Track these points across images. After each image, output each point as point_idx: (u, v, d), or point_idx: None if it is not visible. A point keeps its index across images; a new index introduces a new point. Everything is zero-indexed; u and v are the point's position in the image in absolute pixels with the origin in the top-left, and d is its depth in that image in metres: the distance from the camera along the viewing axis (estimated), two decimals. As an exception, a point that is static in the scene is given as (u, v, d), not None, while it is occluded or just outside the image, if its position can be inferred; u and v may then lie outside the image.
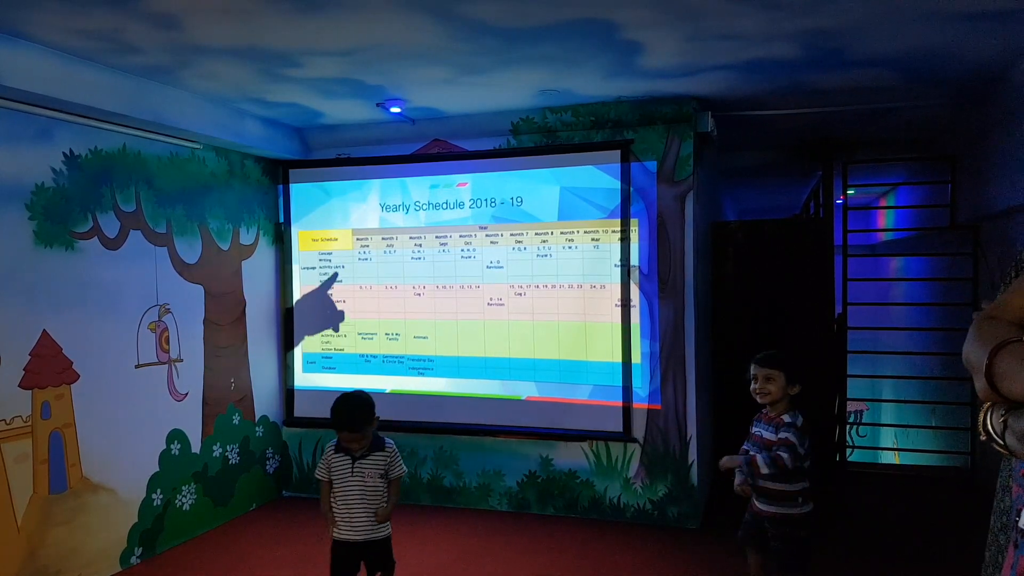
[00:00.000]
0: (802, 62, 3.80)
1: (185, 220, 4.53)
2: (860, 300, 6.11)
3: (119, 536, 4.06)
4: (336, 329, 5.25)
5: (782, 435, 3.07)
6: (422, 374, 5.05)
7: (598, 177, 4.65)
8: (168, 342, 4.42)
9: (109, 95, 3.72)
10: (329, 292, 5.26)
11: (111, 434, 4.01)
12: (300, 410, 5.35)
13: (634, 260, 4.62)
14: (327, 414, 5.18)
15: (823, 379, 5.70)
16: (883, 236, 8.65)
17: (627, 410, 4.63)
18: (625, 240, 4.57)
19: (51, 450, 3.68)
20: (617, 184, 4.59)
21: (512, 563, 4.11)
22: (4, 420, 3.44)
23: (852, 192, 7.16)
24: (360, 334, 5.20)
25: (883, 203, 8.70)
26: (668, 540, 4.41)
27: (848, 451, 6.16)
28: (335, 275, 5.23)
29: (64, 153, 3.74)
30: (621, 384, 4.62)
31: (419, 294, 5.04)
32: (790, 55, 3.68)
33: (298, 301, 5.34)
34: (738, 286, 5.77)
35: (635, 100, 4.54)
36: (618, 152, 4.58)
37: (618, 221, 4.59)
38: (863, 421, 7.76)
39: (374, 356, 5.17)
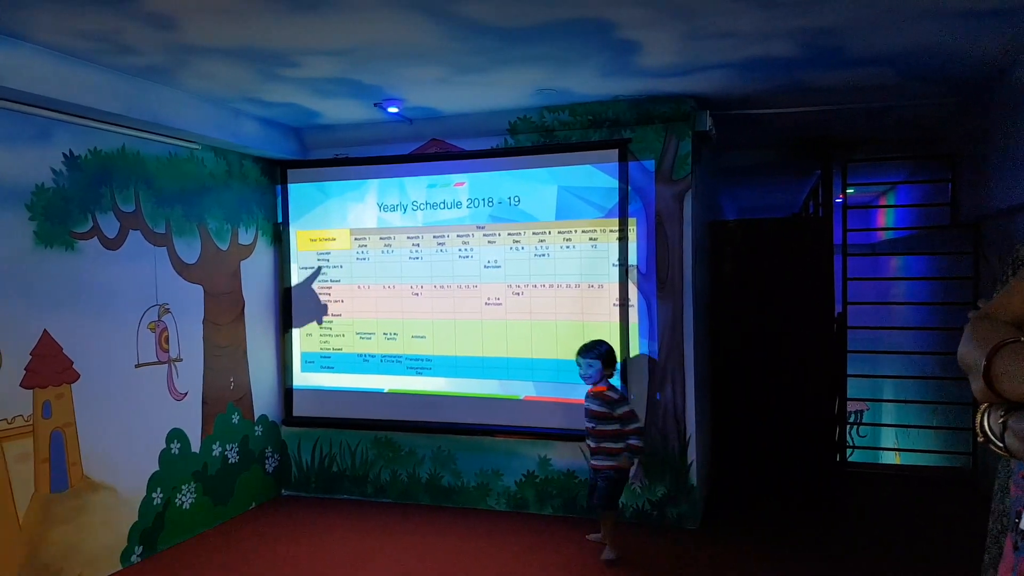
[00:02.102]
0: (800, 60, 3.80)
1: (184, 220, 4.55)
2: (860, 299, 6.10)
3: (120, 534, 4.08)
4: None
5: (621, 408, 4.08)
6: (420, 374, 5.07)
7: (596, 176, 4.65)
8: (168, 342, 4.43)
9: (108, 96, 3.73)
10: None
11: (111, 433, 4.03)
12: (299, 409, 5.37)
13: (632, 259, 4.62)
14: (326, 413, 5.29)
15: (822, 379, 5.70)
16: (883, 235, 8.63)
17: (626, 410, 4.62)
18: (623, 239, 4.57)
19: (52, 449, 3.70)
20: (615, 183, 4.60)
21: (511, 563, 4.12)
22: (6, 419, 3.46)
23: (852, 191, 7.15)
24: (358, 334, 5.21)
25: (883, 202, 8.68)
26: (668, 540, 4.41)
27: (848, 451, 6.15)
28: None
29: (64, 154, 3.76)
30: (620, 383, 4.62)
31: (417, 294, 5.05)
32: (788, 53, 3.68)
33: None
34: (737, 285, 5.76)
35: (633, 99, 4.54)
36: (616, 151, 4.58)
37: (616, 220, 4.59)
38: (863, 421, 7.74)
39: (372, 356, 5.18)
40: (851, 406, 6.45)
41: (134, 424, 4.19)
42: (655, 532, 4.54)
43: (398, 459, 5.22)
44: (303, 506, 5.19)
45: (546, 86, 4.23)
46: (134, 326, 4.20)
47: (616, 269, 4.61)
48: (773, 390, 5.68)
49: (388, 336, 5.13)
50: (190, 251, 4.61)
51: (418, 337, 5.06)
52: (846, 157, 5.93)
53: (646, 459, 4.68)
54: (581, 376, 4.13)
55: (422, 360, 5.06)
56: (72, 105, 3.60)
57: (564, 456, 4.86)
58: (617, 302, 4.61)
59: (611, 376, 4.13)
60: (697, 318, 4.73)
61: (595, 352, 4.10)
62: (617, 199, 4.59)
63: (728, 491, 5.37)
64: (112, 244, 4.05)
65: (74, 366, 3.82)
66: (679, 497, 4.63)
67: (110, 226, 4.03)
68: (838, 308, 5.87)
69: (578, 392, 4.72)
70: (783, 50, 3.63)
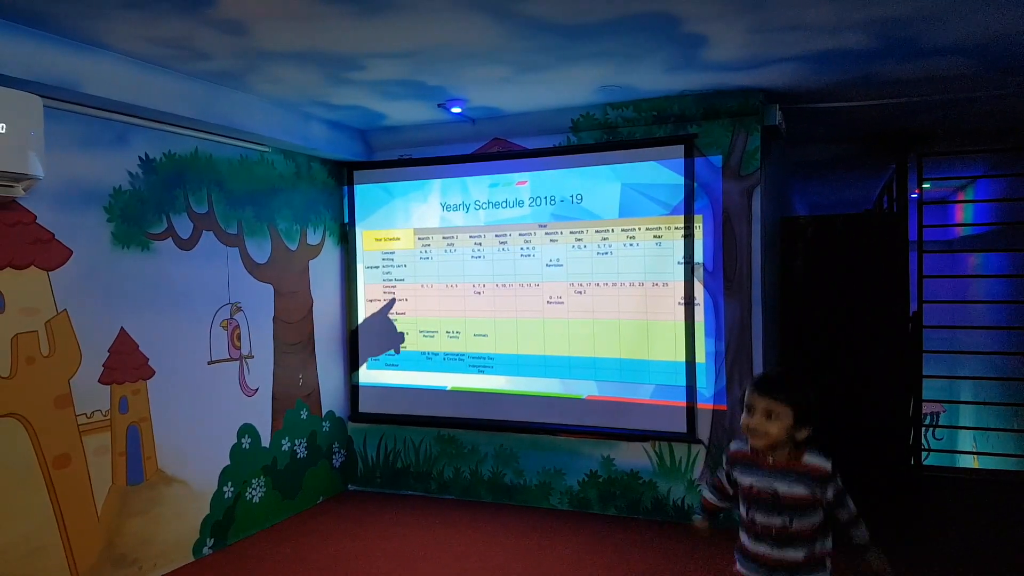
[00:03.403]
0: (873, 52, 3.65)
1: (255, 221, 4.66)
2: (936, 298, 5.85)
3: (192, 527, 4.20)
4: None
5: (831, 489, 2.21)
6: (482, 372, 5.07)
7: (661, 173, 4.57)
8: (239, 339, 4.55)
9: (182, 101, 3.84)
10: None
11: (184, 428, 4.15)
12: (365, 406, 5.44)
13: (698, 257, 4.53)
14: (390, 410, 5.35)
15: (897, 380, 5.49)
16: (961, 231, 8.27)
17: (691, 410, 4.54)
18: (689, 237, 4.48)
19: (128, 443, 3.83)
20: (680, 180, 4.51)
21: (573, 562, 4.09)
22: (85, 414, 3.60)
23: (928, 186, 6.86)
24: (422, 332, 5.26)
25: (961, 197, 8.32)
26: (733, 543, 4.30)
27: (924, 454, 5.91)
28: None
29: (140, 157, 3.89)
30: (685, 384, 4.53)
31: (479, 292, 5.06)
32: (860, 45, 3.54)
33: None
34: (808, 283, 5.59)
35: (699, 94, 4.44)
36: (681, 147, 4.49)
37: (681, 217, 4.51)
38: (940, 423, 7.44)
39: (435, 354, 5.21)
40: (927, 408, 6.19)
41: (206, 419, 4.31)
42: (721, 535, 4.42)
43: (461, 456, 5.24)
44: (368, 501, 5.27)
45: (610, 83, 4.18)
46: (207, 324, 4.32)
47: (682, 267, 4.52)
48: (845, 391, 5.50)
49: (451, 334, 5.16)
50: (261, 251, 4.72)
51: (480, 336, 5.07)
52: (922, 151, 5.69)
53: (714, 461, 4.58)
54: (749, 431, 2.25)
55: (484, 358, 5.07)
56: (148, 110, 3.72)
57: (627, 457, 4.79)
58: (683, 301, 4.52)
59: (807, 437, 2.24)
60: (766, 317, 4.60)
61: (787, 393, 2.21)
62: (682, 196, 4.50)
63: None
64: (186, 244, 4.17)
65: (149, 363, 3.95)
66: (746, 501, 4.52)
67: (184, 227, 4.16)
68: (913, 307, 5.63)
69: (642, 392, 4.66)
70: (855, 42, 3.49)
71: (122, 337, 3.80)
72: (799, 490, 2.19)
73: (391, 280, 5.33)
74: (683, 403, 4.55)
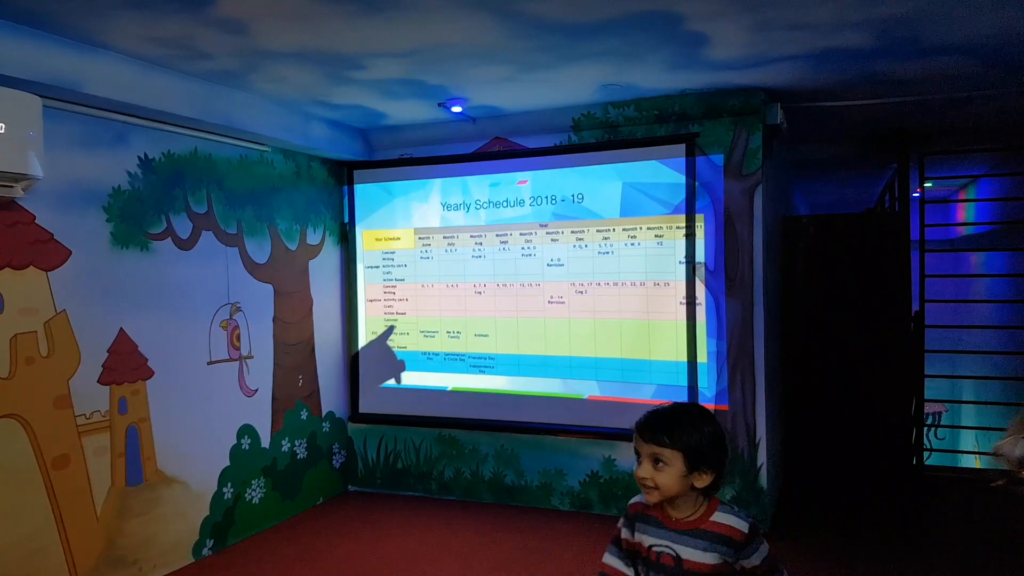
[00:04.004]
0: (875, 51, 3.63)
1: (255, 221, 4.64)
2: (938, 297, 5.84)
3: (192, 528, 4.19)
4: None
5: (755, 556, 1.80)
6: (483, 372, 5.06)
7: (662, 172, 4.56)
8: (239, 339, 4.53)
9: (182, 100, 3.83)
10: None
11: (184, 429, 4.14)
12: (365, 406, 5.43)
13: (700, 256, 4.51)
14: (391, 410, 5.33)
15: (898, 379, 5.48)
16: (963, 230, 8.25)
17: (692, 410, 4.52)
18: (690, 236, 4.47)
19: (128, 444, 3.82)
20: (682, 179, 4.49)
21: (574, 562, 4.08)
22: (84, 415, 3.59)
23: (930, 185, 6.85)
24: (422, 332, 5.24)
25: (963, 196, 8.30)
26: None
27: (925, 454, 5.90)
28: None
29: (139, 157, 3.87)
30: (686, 384, 4.52)
31: (480, 292, 5.04)
32: (862, 44, 3.53)
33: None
34: (809, 283, 5.58)
35: (700, 92, 4.43)
36: (683, 146, 4.48)
37: (683, 217, 4.49)
38: (942, 423, 7.42)
39: (436, 354, 5.20)
40: (929, 407, 6.18)
41: (206, 420, 4.29)
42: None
43: (461, 457, 5.23)
44: (369, 502, 5.25)
45: (611, 81, 4.16)
46: (206, 324, 4.31)
47: (683, 266, 4.50)
48: (846, 391, 5.49)
49: (451, 335, 5.14)
50: (260, 251, 4.70)
51: (481, 336, 5.05)
52: (924, 150, 5.68)
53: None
54: (639, 483, 1.83)
55: (485, 358, 5.06)
56: (147, 110, 3.70)
57: (629, 457, 4.75)
58: (684, 300, 4.51)
59: (717, 488, 1.85)
60: (768, 316, 4.59)
61: (673, 435, 1.79)
62: (684, 195, 4.49)
63: (799, 495, 5.21)
64: (185, 244, 4.15)
65: (149, 363, 3.93)
66: (748, 500, 4.50)
67: (183, 227, 4.14)
68: (915, 306, 5.62)
69: (644, 392, 4.65)
70: (857, 41, 3.48)
71: (121, 337, 3.78)
72: (707, 557, 1.76)
73: (391, 280, 5.32)
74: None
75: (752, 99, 4.35)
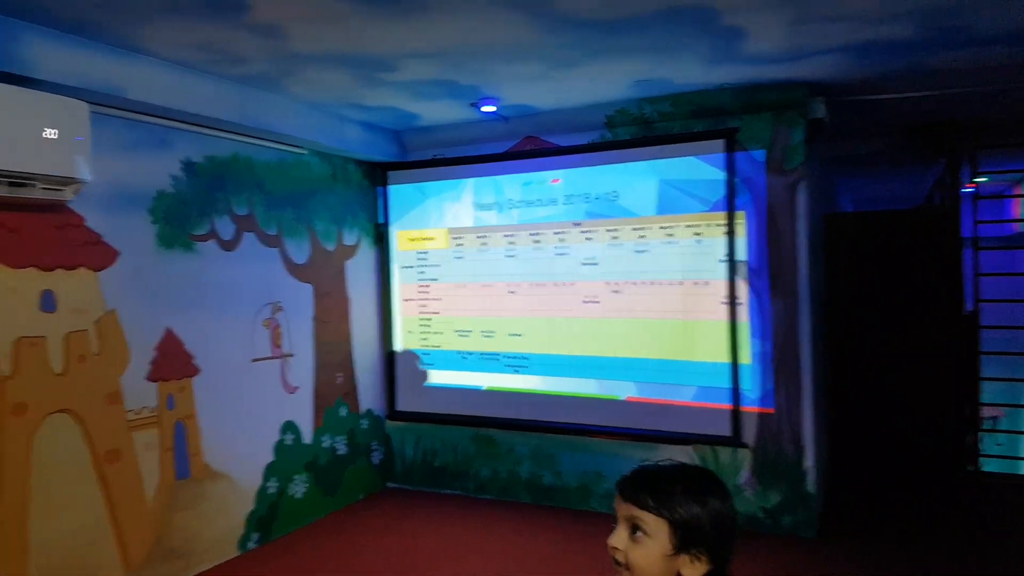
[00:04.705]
0: (921, 42, 3.52)
1: (294, 222, 4.74)
2: (993, 296, 5.63)
3: (236, 522, 4.28)
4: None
5: None
6: (518, 372, 5.06)
7: (700, 168, 4.49)
8: (280, 338, 4.63)
9: (222, 105, 3.93)
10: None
11: (229, 424, 4.24)
12: (402, 404, 5.48)
13: (741, 255, 4.43)
14: (427, 409, 5.37)
15: (950, 382, 5.30)
16: (1019, 227, 7.93)
17: (736, 413, 4.43)
18: (731, 234, 4.39)
19: (175, 439, 3.93)
20: (720, 175, 4.42)
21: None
22: (134, 411, 3.71)
23: (985, 179, 6.60)
24: (456, 331, 5.27)
25: (1019, 191, 7.97)
26: (783, 549, 4.21)
27: (982, 459, 5.69)
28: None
29: (182, 161, 3.99)
30: (729, 386, 4.43)
31: (513, 292, 5.05)
32: (907, 35, 3.42)
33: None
34: (855, 281, 5.44)
35: (739, 87, 4.34)
36: (722, 142, 4.40)
37: (723, 214, 4.41)
38: (1000, 428, 7.14)
39: (470, 353, 5.22)
40: (986, 411, 5.95)
41: (250, 416, 4.40)
42: (769, 541, 4.34)
43: (498, 456, 5.24)
44: (407, 499, 5.30)
45: (645, 77, 4.12)
46: (249, 323, 4.41)
47: (723, 265, 4.43)
48: (896, 393, 5.33)
49: (485, 334, 5.16)
50: (300, 252, 4.79)
51: (515, 335, 5.05)
52: (975, 143, 5.47)
53: (759, 466, 4.48)
54: (611, 553, 1.42)
55: (519, 358, 5.06)
56: (189, 114, 3.81)
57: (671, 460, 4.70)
58: (725, 300, 4.43)
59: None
60: (813, 316, 4.47)
61: (661, 499, 1.35)
62: (723, 191, 4.41)
63: (848, 500, 5.07)
64: (228, 246, 4.26)
65: (194, 361, 4.05)
66: (794, 505, 4.40)
67: (226, 229, 4.25)
68: (968, 306, 5.43)
69: (685, 394, 4.58)
70: (901, 32, 3.38)
71: (168, 336, 3.90)
72: None
73: (425, 280, 5.36)
74: (727, 406, 4.45)
75: (793, 93, 4.26)
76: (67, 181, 3.11)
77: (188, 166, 4.02)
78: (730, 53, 3.71)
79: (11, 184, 2.90)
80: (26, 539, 3.20)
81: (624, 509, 1.38)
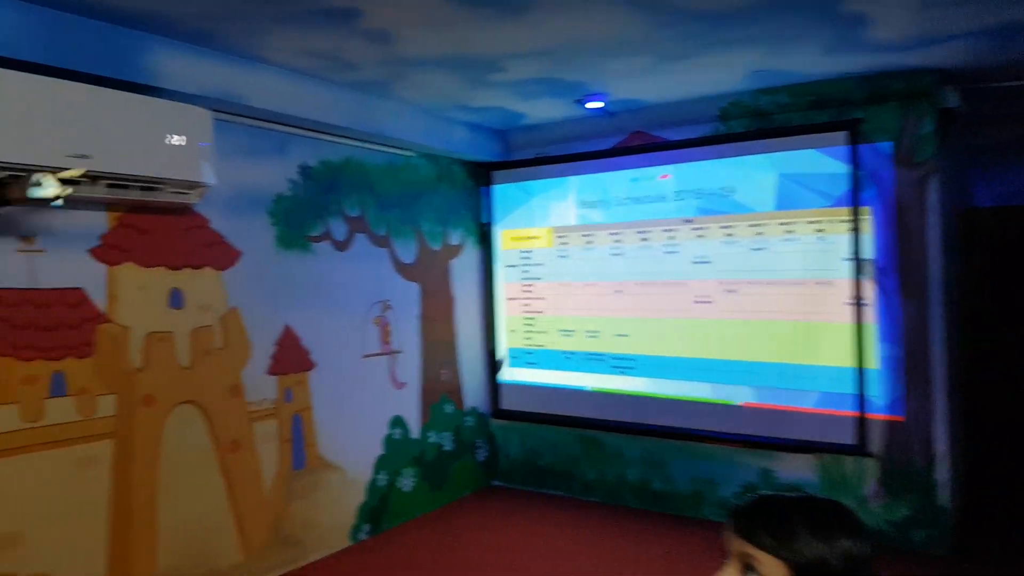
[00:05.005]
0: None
1: (402, 223, 4.85)
2: None
3: (348, 512, 4.42)
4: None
5: None
6: (624, 373, 4.95)
7: (821, 162, 4.24)
8: (389, 335, 4.74)
9: (335, 110, 4.05)
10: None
11: (342, 418, 4.39)
12: (506, 403, 5.50)
13: (867, 253, 4.16)
14: (531, 408, 5.37)
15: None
16: None
17: (862, 421, 4.16)
18: (856, 230, 4.12)
19: (293, 430, 4.10)
20: (844, 168, 4.16)
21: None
22: (255, 403, 3.89)
23: None
24: (560, 331, 5.22)
25: None
26: (913, 566, 3.92)
27: None
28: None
29: (299, 165, 4.15)
30: (854, 392, 4.16)
31: (619, 291, 4.94)
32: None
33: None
34: (993, 281, 4.99)
35: (862, 76, 4.07)
36: (845, 133, 4.14)
37: (847, 209, 4.15)
38: None
39: (574, 353, 5.16)
40: None
41: (361, 410, 4.53)
42: (897, 557, 4.05)
43: (604, 459, 5.15)
44: (512, 497, 5.31)
45: (762, 68, 3.93)
46: (361, 320, 4.54)
47: (848, 264, 4.16)
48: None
49: (590, 334, 5.08)
50: (407, 251, 4.90)
51: (621, 336, 4.95)
52: None
53: (887, 477, 4.19)
54: None
55: (626, 359, 4.95)
56: (306, 120, 3.95)
57: (789, 469, 4.48)
58: (850, 300, 4.16)
59: None
60: (946, 318, 4.14)
61: (779, 536, 1.18)
62: (847, 186, 4.15)
63: (986, 514, 4.66)
64: (341, 246, 4.41)
65: (310, 356, 4.21)
66: (925, 519, 4.09)
67: (339, 230, 4.39)
68: None
69: (806, 400, 4.34)
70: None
71: (287, 332, 4.07)
72: None
73: (529, 279, 5.35)
74: (853, 413, 4.18)
75: (922, 81, 3.94)
76: (193, 185, 3.28)
77: (304, 170, 4.18)
78: (852, 41, 3.48)
79: (142, 189, 3.09)
80: (155, 524, 3.42)
81: (737, 545, 1.23)
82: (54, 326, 3.08)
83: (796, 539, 1.16)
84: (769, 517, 1.20)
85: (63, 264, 3.12)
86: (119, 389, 3.31)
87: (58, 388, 3.09)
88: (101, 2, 2.80)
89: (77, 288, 3.17)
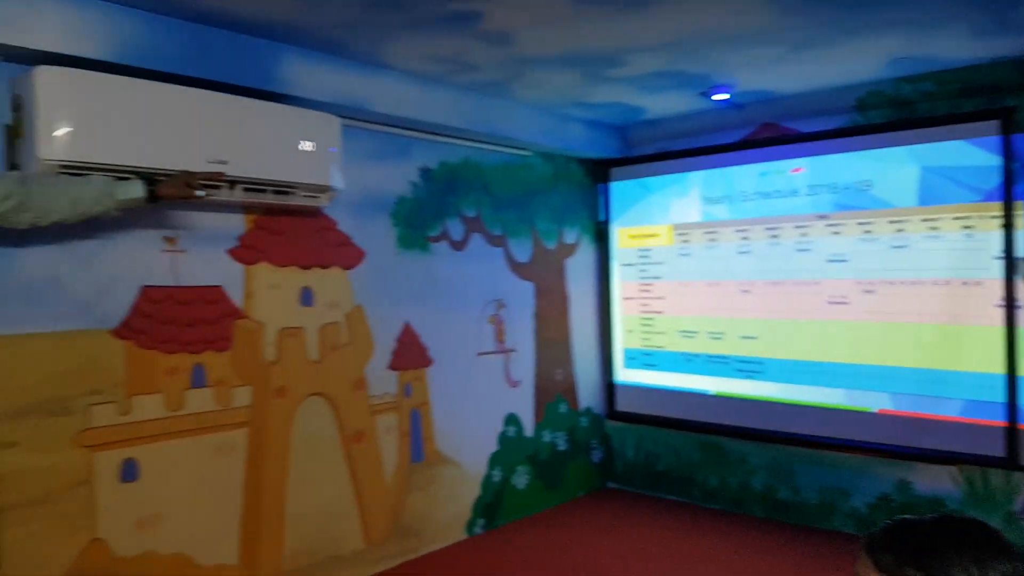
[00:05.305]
0: None
1: (517, 223, 4.86)
2: None
3: (464, 506, 4.49)
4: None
5: None
6: (751, 377, 4.74)
7: (970, 153, 3.90)
8: (504, 334, 4.78)
9: (455, 113, 4.11)
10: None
11: (458, 413, 4.46)
12: (622, 404, 5.41)
13: (1020, 251, 3.79)
14: (648, 410, 5.26)
15: None
16: None
17: (1012, 431, 3.81)
18: (1008, 227, 3.78)
19: (411, 424, 4.21)
20: (995, 160, 3.81)
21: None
22: (377, 396, 4.03)
23: None
24: (680, 332, 5.07)
25: None
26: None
27: None
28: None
29: (419, 168, 4.25)
30: (1004, 400, 3.82)
31: (746, 291, 4.73)
32: None
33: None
34: None
35: (1017, 60, 3.71)
36: (995, 123, 3.80)
37: (998, 204, 3.80)
38: None
39: (696, 355, 4.99)
40: None
41: (476, 407, 4.59)
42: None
43: (727, 465, 4.97)
44: (627, 500, 5.23)
45: (903, 54, 3.65)
46: (476, 318, 4.60)
47: (999, 263, 3.82)
48: None
49: (713, 335, 4.90)
50: (522, 251, 4.91)
51: (747, 338, 4.74)
52: None
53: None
54: None
55: (752, 363, 4.74)
56: (427, 123, 4.04)
57: (928, 481, 4.16)
58: (1001, 302, 3.82)
59: None
60: (1116, 325, 3.71)
61: (920, 564, 1.09)
62: (999, 179, 3.80)
63: None
64: (458, 246, 4.48)
65: (428, 353, 4.30)
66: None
67: (456, 230, 4.47)
68: None
69: (949, 408, 4.02)
70: None
71: (407, 329, 4.18)
72: None
73: (647, 278, 5.22)
74: (1002, 423, 3.84)
75: (1088, 62, 3.54)
76: (323, 189, 3.42)
77: (425, 172, 4.28)
78: (1005, 23, 3.18)
79: (276, 192, 3.25)
80: (284, 509, 3.60)
81: (867, 572, 1.12)
82: (195, 321, 3.29)
83: (948, 566, 1.06)
84: (912, 547, 1.10)
85: (203, 263, 3.33)
86: (254, 381, 3.50)
87: (198, 379, 3.30)
88: (238, 14, 2.95)
89: (216, 286, 3.38)
